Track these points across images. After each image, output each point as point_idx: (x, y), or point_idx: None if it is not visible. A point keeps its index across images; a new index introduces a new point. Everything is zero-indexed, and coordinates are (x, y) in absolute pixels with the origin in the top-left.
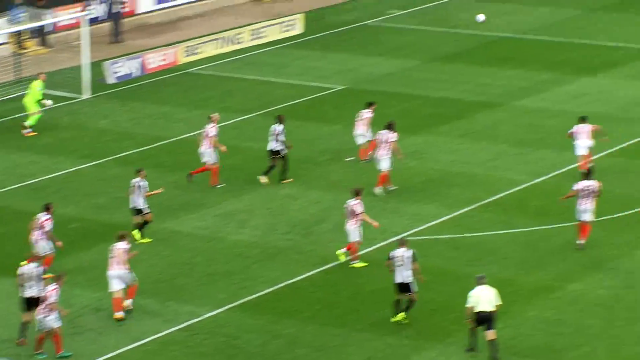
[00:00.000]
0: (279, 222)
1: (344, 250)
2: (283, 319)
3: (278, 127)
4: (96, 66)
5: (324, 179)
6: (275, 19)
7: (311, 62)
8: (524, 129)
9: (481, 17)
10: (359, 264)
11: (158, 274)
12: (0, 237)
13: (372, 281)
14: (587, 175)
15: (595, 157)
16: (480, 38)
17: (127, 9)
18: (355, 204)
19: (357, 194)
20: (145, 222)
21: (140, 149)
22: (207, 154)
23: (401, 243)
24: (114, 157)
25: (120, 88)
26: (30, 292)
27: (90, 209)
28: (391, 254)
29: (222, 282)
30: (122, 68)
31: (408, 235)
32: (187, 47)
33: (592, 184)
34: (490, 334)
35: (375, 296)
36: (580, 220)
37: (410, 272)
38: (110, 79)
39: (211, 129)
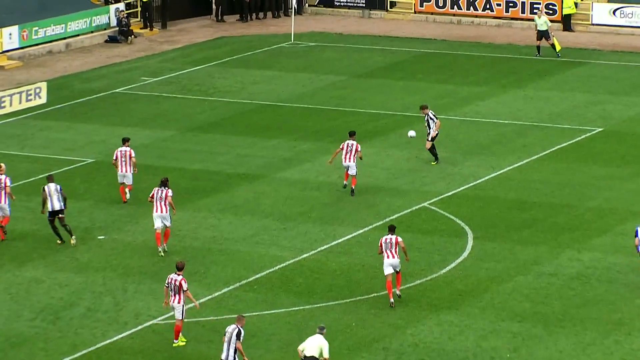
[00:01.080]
0: (23, 308)
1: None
2: None
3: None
4: None
5: (74, 259)
6: (16, 87)
7: (57, 134)
8: (287, 201)
9: (412, 133)
10: (181, 343)
11: None
12: None
13: None
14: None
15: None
16: (238, 106)
17: None
18: (181, 280)
19: (180, 268)
20: None
21: None
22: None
23: (237, 319)
24: None
25: None
26: None
27: None
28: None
29: None
30: None
31: (164, 320)
32: None
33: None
34: None
35: None
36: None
37: (233, 351)
38: None
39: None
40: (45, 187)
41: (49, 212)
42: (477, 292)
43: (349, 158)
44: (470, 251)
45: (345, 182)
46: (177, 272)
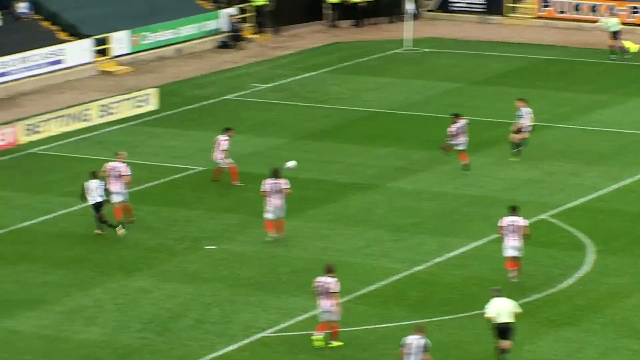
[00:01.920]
0: (130, 319)
1: (320, 334)
2: None
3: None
4: None
5: (182, 270)
6: (126, 93)
7: (167, 141)
8: (400, 212)
9: (291, 164)
10: (336, 344)
11: None
12: None
13: None
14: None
15: None
16: (350, 113)
17: None
18: (330, 282)
19: (329, 270)
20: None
21: None
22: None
23: (418, 329)
24: None
25: None
26: None
27: None
28: (403, 340)
29: None
30: None
31: (273, 332)
32: (28, 125)
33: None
34: (506, 344)
35: None
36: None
37: None
38: None
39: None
40: (86, 184)
41: (92, 205)
42: (598, 308)
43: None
44: (591, 265)
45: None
46: (329, 274)
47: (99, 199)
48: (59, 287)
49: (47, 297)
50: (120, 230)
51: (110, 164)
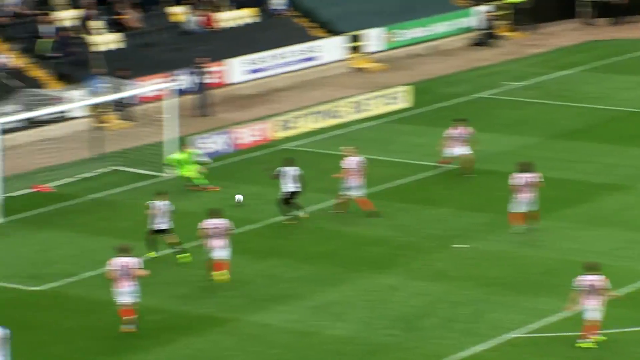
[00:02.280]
0: (378, 316)
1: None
2: None
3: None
4: (182, 142)
5: (430, 268)
6: (378, 90)
7: (417, 138)
8: None
9: (239, 197)
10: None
11: None
12: (74, 330)
13: None
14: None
15: None
16: (606, 113)
17: (216, 80)
18: (596, 280)
19: (592, 268)
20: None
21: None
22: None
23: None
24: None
25: (209, 166)
26: None
27: (171, 299)
28: None
29: None
30: (210, 144)
31: (524, 333)
32: (282, 121)
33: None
34: None
35: None
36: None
37: None
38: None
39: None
40: (282, 169)
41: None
42: None
43: None
44: None
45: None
46: (593, 272)
47: (293, 189)
48: (309, 282)
49: (297, 292)
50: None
51: (350, 159)
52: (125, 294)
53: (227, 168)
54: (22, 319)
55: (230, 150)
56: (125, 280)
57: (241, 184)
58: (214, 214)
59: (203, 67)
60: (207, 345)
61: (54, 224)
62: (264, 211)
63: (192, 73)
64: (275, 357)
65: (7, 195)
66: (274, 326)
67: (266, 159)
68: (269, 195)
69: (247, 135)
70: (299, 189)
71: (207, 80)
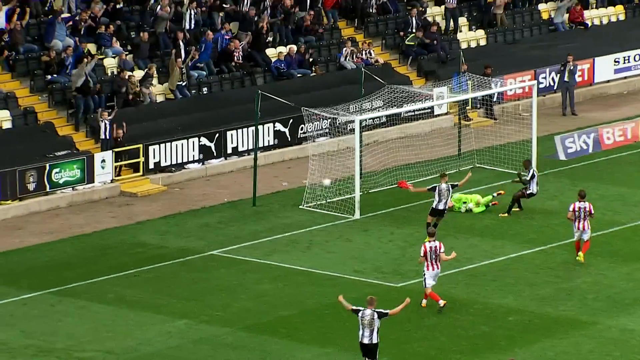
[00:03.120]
0: None
1: None
2: None
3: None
4: (545, 140)
5: None
6: None
7: None
8: None
9: (326, 182)
10: None
11: None
12: (435, 327)
13: None
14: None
15: None
16: None
17: (582, 78)
18: None
19: None
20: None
21: (593, 234)
22: None
23: None
24: (560, 242)
25: (572, 165)
26: None
27: (532, 300)
28: None
29: None
30: (574, 143)
31: None
32: None
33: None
34: None
35: None
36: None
37: None
38: (562, 155)
39: None
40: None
41: (433, 209)
42: None
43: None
44: None
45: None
46: None
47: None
48: None
49: None
50: None
51: None
52: (431, 277)
53: (591, 168)
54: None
55: (595, 150)
56: (433, 264)
57: (605, 184)
58: (581, 196)
59: (570, 65)
60: (568, 348)
61: (412, 220)
62: (629, 213)
63: (560, 71)
64: None
65: (369, 191)
66: (637, 331)
67: (634, 159)
68: (635, 197)
69: (614, 135)
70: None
71: (573, 78)
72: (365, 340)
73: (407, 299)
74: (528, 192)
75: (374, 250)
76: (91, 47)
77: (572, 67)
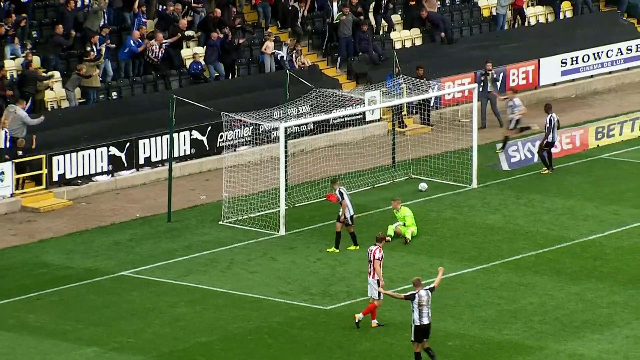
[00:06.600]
0: None
1: None
2: None
3: None
4: (486, 149)
5: None
6: None
7: None
8: None
9: (423, 186)
10: None
11: None
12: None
13: None
14: None
15: None
16: None
17: (526, 81)
18: None
19: None
20: None
21: (537, 251)
22: None
23: None
24: (503, 260)
25: (516, 176)
26: None
27: (473, 323)
28: None
29: None
30: (519, 152)
31: None
32: (599, 127)
33: None
34: None
35: None
36: None
37: None
38: (505, 165)
39: None
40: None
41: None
42: None
43: None
44: None
45: None
46: None
47: None
48: (628, 308)
49: (614, 319)
50: None
51: None
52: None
53: (536, 179)
54: (311, 339)
55: (539, 160)
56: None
57: (552, 197)
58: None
59: (494, 73)
60: None
61: (342, 236)
62: (577, 228)
63: (480, 80)
64: None
65: (296, 205)
66: (588, 356)
67: (581, 169)
68: (584, 211)
69: (562, 143)
70: None
71: (497, 86)
72: (426, 320)
73: (441, 268)
74: (547, 141)
75: (300, 269)
76: None
77: (495, 75)
